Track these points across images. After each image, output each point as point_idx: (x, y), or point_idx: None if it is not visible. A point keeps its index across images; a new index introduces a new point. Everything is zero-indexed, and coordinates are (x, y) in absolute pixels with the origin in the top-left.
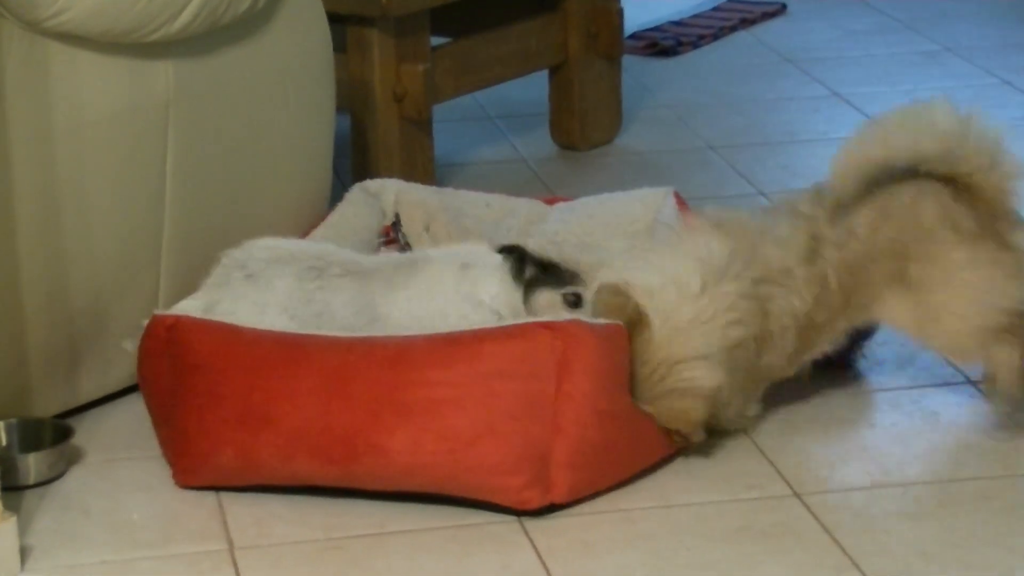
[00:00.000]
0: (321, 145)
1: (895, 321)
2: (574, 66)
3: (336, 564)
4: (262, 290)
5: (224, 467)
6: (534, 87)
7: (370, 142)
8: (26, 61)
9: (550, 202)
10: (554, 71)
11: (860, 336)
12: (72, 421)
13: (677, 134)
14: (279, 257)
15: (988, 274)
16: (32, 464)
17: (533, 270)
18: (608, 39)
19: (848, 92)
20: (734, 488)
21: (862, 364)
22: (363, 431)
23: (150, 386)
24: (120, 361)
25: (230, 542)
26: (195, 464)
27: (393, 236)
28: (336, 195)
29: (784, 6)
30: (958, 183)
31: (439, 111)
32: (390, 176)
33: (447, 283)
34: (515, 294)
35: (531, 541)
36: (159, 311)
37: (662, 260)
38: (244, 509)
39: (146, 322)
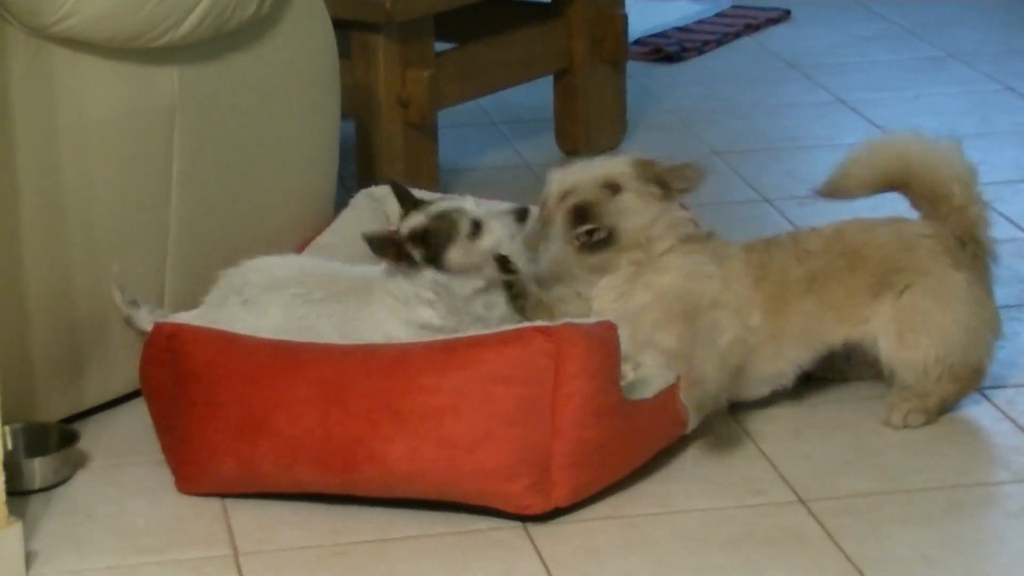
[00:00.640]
0: (326, 150)
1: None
2: (579, 72)
3: (340, 570)
4: (257, 317)
5: (225, 475)
6: (538, 93)
7: (375, 148)
8: (31, 66)
9: None
10: (559, 77)
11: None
12: (77, 426)
13: (681, 140)
14: (274, 283)
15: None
16: (37, 469)
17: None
18: (612, 45)
19: (852, 98)
20: (738, 494)
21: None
22: (362, 440)
23: (152, 394)
24: (125, 366)
25: (234, 547)
26: (197, 472)
27: None
28: (341, 200)
29: (788, 12)
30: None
31: (443, 117)
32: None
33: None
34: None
35: (535, 547)
36: (160, 319)
37: None
38: (248, 515)
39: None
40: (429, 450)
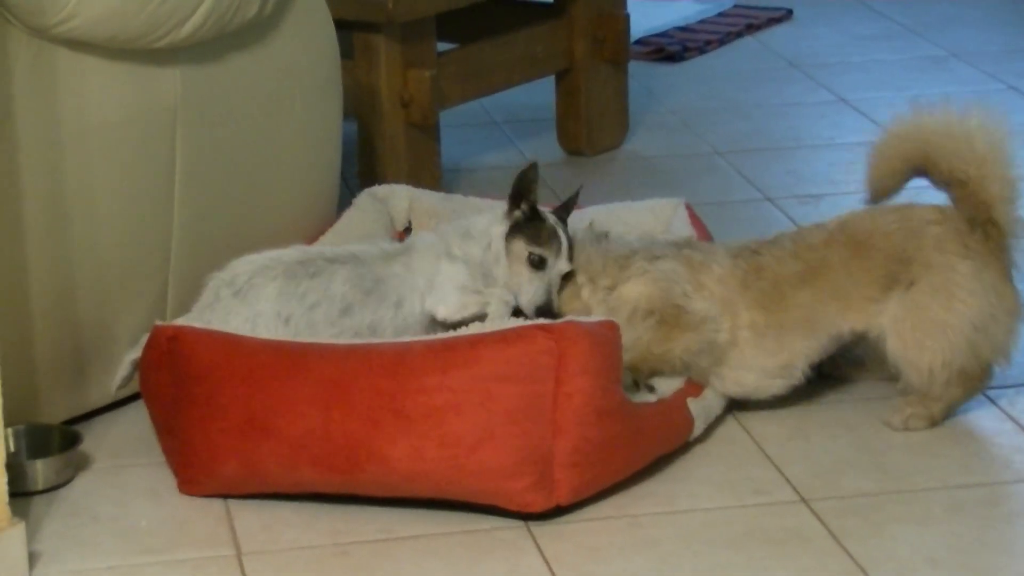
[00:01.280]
0: (328, 151)
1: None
2: (581, 72)
3: (343, 569)
4: (252, 303)
5: (228, 477)
6: (541, 93)
7: (377, 148)
8: (34, 67)
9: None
10: (561, 77)
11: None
12: (80, 427)
13: (683, 139)
14: (264, 266)
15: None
16: (40, 470)
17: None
18: (614, 45)
19: (854, 97)
20: (741, 494)
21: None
22: (364, 440)
23: (153, 397)
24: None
25: (238, 548)
26: (199, 474)
27: None
28: (344, 201)
29: (790, 12)
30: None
31: (446, 117)
32: (397, 182)
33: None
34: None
35: (538, 546)
36: (160, 322)
37: None
38: (251, 515)
39: (146, 336)
40: (431, 449)
